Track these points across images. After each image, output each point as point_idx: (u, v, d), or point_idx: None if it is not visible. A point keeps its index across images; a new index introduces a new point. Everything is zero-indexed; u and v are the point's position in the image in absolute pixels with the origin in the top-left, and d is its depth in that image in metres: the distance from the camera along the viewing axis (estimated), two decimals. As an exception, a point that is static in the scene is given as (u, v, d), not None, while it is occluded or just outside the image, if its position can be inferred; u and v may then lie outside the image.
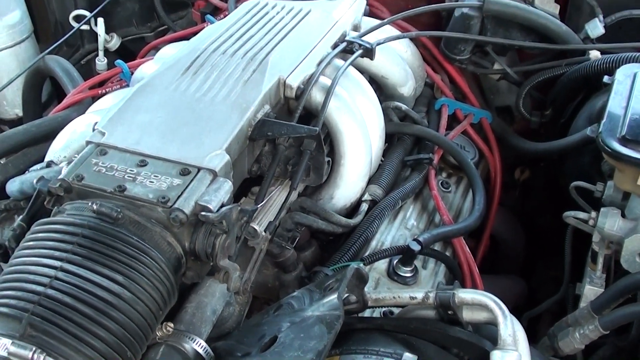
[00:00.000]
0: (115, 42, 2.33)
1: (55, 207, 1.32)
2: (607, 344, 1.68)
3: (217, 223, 1.27)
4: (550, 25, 2.17)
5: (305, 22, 1.83)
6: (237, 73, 1.58)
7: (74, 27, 2.32)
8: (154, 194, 1.26)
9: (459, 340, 1.26)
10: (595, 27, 2.24)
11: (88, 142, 1.39)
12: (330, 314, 1.20)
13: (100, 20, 2.24)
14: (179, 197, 1.26)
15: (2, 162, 1.87)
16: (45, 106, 2.31)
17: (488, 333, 1.24)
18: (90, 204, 1.24)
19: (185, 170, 1.32)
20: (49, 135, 1.85)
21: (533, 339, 1.60)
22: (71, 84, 2.01)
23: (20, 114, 2.27)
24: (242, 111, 1.47)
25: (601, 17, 2.25)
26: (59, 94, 2.35)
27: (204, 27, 2.29)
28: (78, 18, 2.33)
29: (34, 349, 1.07)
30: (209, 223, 1.27)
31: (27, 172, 1.67)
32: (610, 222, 1.60)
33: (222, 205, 1.28)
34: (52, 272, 1.15)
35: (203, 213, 1.25)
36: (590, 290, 1.62)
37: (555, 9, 2.28)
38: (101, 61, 2.28)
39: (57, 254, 1.19)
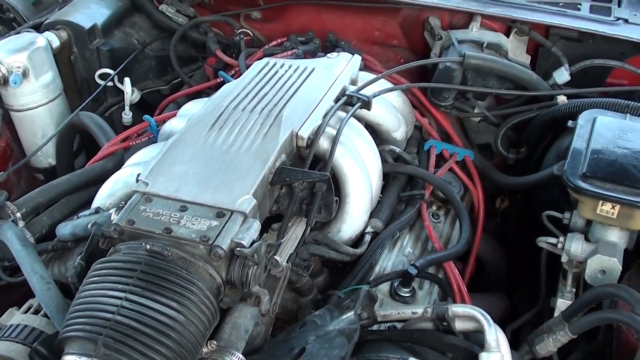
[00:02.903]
0: (136, 96, 2.50)
1: (112, 248, 1.50)
2: (579, 348, 1.83)
3: (249, 257, 1.45)
4: (522, 74, 2.35)
5: (310, 79, 1.99)
6: (257, 127, 1.74)
7: (98, 84, 2.50)
8: (196, 234, 1.46)
9: (453, 346, 1.48)
10: (562, 75, 2.40)
11: (135, 192, 1.58)
12: (349, 327, 1.42)
13: (127, 79, 2.41)
14: (217, 236, 1.45)
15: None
16: (75, 156, 2.49)
17: (476, 339, 1.45)
18: (143, 244, 1.44)
19: (221, 213, 1.51)
20: (89, 184, 2.04)
21: (516, 347, 1.80)
22: (104, 137, 2.18)
23: (53, 163, 2.44)
24: (264, 161, 1.65)
25: (567, 65, 2.39)
26: (86, 144, 2.53)
27: (217, 82, 2.50)
28: (103, 76, 2.51)
29: None
30: (243, 257, 1.46)
31: (76, 217, 1.83)
32: (575, 245, 1.79)
33: (253, 242, 1.47)
34: (118, 301, 1.34)
35: (238, 249, 1.45)
36: (562, 303, 1.79)
37: (527, 59, 2.48)
38: (127, 115, 2.45)
39: (120, 286, 1.37)
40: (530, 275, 2.22)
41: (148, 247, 1.44)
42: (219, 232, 1.47)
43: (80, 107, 2.31)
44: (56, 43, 2.43)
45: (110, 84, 2.52)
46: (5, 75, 2.25)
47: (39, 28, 2.51)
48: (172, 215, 1.52)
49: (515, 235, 2.53)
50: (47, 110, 2.40)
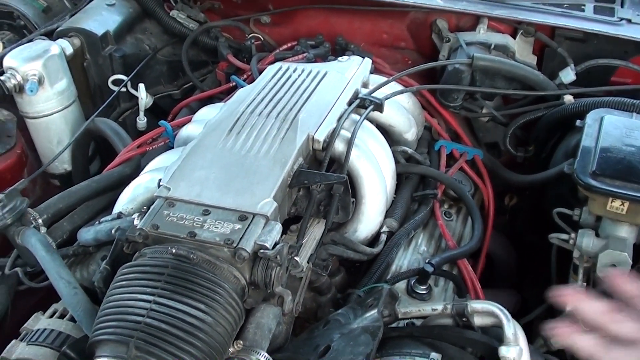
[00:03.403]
0: (149, 101, 2.51)
1: (136, 252, 1.53)
2: None
3: (272, 258, 1.49)
4: (529, 75, 2.40)
5: (323, 83, 2.02)
6: (274, 132, 1.78)
7: (111, 90, 2.53)
8: (220, 237, 1.49)
9: (473, 341, 1.52)
10: (568, 75, 2.44)
11: (157, 197, 1.61)
12: (373, 325, 1.46)
13: (141, 85, 2.43)
14: (241, 238, 1.48)
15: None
16: (89, 161, 2.52)
17: (495, 334, 1.49)
18: (169, 248, 1.47)
19: (243, 217, 1.54)
20: (107, 189, 2.06)
21: (528, 341, 1.85)
22: (121, 143, 2.21)
23: (69, 168, 2.47)
24: (283, 165, 1.68)
25: (572, 65, 2.44)
26: (100, 150, 2.56)
27: (229, 86, 2.54)
28: (116, 82, 2.54)
29: None
30: (266, 258, 1.49)
31: (97, 222, 1.84)
32: (586, 241, 1.85)
33: (276, 244, 1.51)
34: (147, 305, 1.38)
35: (261, 251, 1.48)
36: None
37: (533, 60, 2.52)
38: (142, 120, 2.47)
39: (149, 290, 1.41)
40: (539, 271, 2.27)
41: (174, 250, 1.47)
42: (242, 235, 1.50)
43: (95, 113, 2.34)
44: (69, 50, 2.45)
45: (123, 89, 2.55)
46: (21, 83, 2.28)
47: (50, 35, 2.53)
48: (195, 219, 1.55)
49: (524, 231, 2.57)
50: (62, 117, 2.43)
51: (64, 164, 2.46)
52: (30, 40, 2.46)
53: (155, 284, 1.42)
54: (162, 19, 2.75)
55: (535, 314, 2.04)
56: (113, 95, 2.48)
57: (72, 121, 2.47)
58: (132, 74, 2.55)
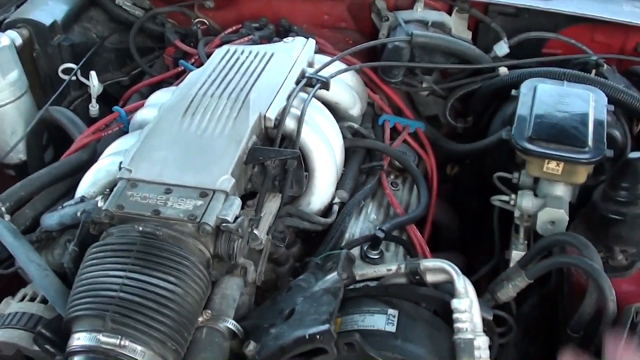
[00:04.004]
0: (99, 88, 2.52)
1: (104, 232, 1.59)
2: (534, 294, 1.97)
3: (234, 231, 1.56)
4: (466, 49, 2.49)
5: (271, 63, 2.09)
6: (227, 112, 1.84)
7: (61, 79, 2.53)
8: (184, 214, 1.56)
9: (426, 297, 1.63)
10: (502, 48, 2.55)
11: (120, 178, 1.66)
12: (334, 286, 1.54)
13: (93, 73, 2.45)
14: (203, 214, 1.56)
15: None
16: (44, 149, 2.53)
17: (446, 289, 1.60)
18: (135, 226, 1.54)
19: (204, 193, 1.61)
20: (66, 175, 2.08)
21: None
22: (76, 130, 2.23)
23: (24, 158, 2.47)
24: (238, 143, 1.75)
25: (505, 39, 2.55)
26: (53, 138, 2.55)
27: (178, 71, 2.57)
28: (66, 71, 2.54)
29: (119, 337, 1.38)
30: (228, 231, 1.57)
31: (60, 207, 1.88)
32: (526, 201, 1.94)
33: (236, 217, 1.59)
34: (119, 280, 1.45)
35: (224, 224, 1.56)
36: (517, 254, 1.95)
37: (469, 35, 2.64)
38: (94, 107, 2.48)
39: (120, 266, 1.48)
40: (482, 235, 2.35)
41: (140, 228, 1.55)
42: (205, 210, 1.57)
43: (49, 102, 2.35)
44: (19, 41, 2.45)
45: (73, 78, 2.56)
46: None
47: None
48: (158, 198, 1.61)
49: (466, 198, 2.65)
50: (15, 108, 2.44)
51: (19, 154, 2.46)
52: (-25, 33, 2.46)
53: (126, 260, 1.49)
54: (108, 7, 2.76)
55: (480, 273, 2.12)
56: (64, 84, 2.49)
57: (25, 111, 2.48)
58: (82, 62, 2.57)
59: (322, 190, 1.99)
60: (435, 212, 2.33)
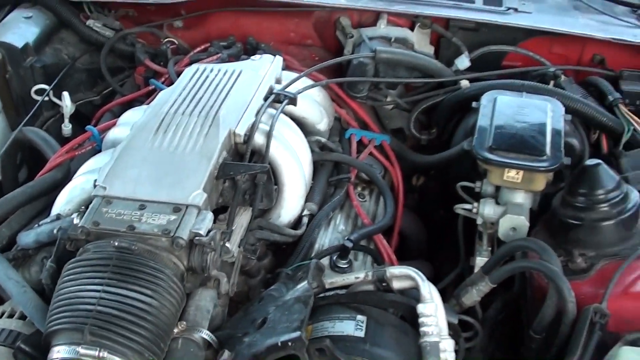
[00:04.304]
0: (71, 108, 2.51)
1: (80, 249, 1.62)
2: (498, 299, 2.03)
3: (207, 244, 1.61)
4: (428, 64, 2.56)
5: (239, 81, 2.12)
6: (198, 129, 1.88)
7: (34, 100, 2.56)
8: (158, 228, 1.60)
9: (393, 302, 1.69)
10: (463, 62, 2.63)
11: (95, 196, 1.70)
12: (304, 295, 1.59)
13: (66, 94, 2.45)
14: (177, 228, 1.60)
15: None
16: (18, 169, 2.54)
17: (412, 295, 1.65)
18: (111, 241, 1.58)
19: (177, 208, 1.65)
20: (42, 194, 2.10)
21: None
22: (50, 150, 2.24)
23: None
24: (209, 159, 1.79)
25: (467, 53, 2.63)
26: (26, 158, 2.57)
27: (148, 89, 2.58)
28: (38, 91, 2.57)
29: (98, 349, 1.42)
30: (202, 245, 1.61)
31: (37, 225, 1.91)
32: (488, 209, 2.00)
33: (209, 231, 1.63)
34: (97, 294, 1.48)
35: (197, 238, 1.60)
36: (481, 260, 2.00)
37: (431, 49, 2.70)
38: (67, 127, 2.48)
39: (96, 280, 1.51)
40: (448, 243, 2.41)
41: (116, 243, 1.59)
42: (178, 225, 1.62)
43: (22, 123, 2.38)
44: None
45: (45, 98, 2.59)
46: None
47: None
48: (133, 213, 1.65)
49: (432, 208, 2.71)
50: None
51: None
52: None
53: (102, 275, 1.52)
54: (78, 29, 2.79)
55: (446, 281, 2.17)
56: (37, 105, 2.51)
57: None
58: (54, 83, 2.60)
59: (291, 203, 2.03)
60: (402, 222, 2.38)
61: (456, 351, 1.64)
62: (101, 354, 1.42)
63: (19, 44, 2.58)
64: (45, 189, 2.13)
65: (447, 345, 1.57)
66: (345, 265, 1.97)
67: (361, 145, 2.49)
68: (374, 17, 2.73)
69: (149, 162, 1.80)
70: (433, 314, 1.58)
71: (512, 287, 2.07)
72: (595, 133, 2.39)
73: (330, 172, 2.31)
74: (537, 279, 1.90)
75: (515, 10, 2.64)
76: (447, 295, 2.13)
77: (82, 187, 1.95)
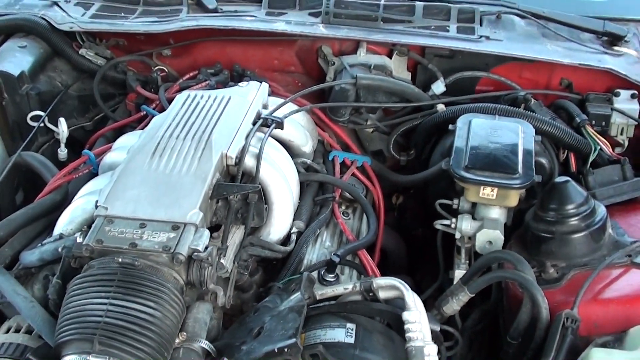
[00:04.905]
0: (65, 134, 2.57)
1: (85, 265, 1.70)
2: (476, 310, 2.12)
3: (205, 259, 1.70)
4: (406, 89, 2.64)
5: (229, 106, 2.20)
6: (192, 152, 1.96)
7: (29, 125, 2.62)
8: (159, 245, 1.69)
9: (380, 311, 1.78)
10: (439, 87, 2.70)
11: (97, 216, 1.78)
12: (298, 304, 1.68)
13: (62, 119, 2.52)
14: (176, 245, 1.68)
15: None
16: (15, 193, 2.61)
17: (398, 304, 1.73)
18: (115, 258, 1.67)
19: (176, 226, 1.74)
20: (42, 215, 2.17)
21: None
22: (49, 173, 2.33)
23: None
24: (203, 180, 1.87)
25: (442, 78, 2.70)
26: (22, 182, 2.63)
27: (140, 115, 2.65)
28: (34, 118, 2.63)
29: (107, 357, 1.50)
30: (199, 260, 1.70)
31: (40, 245, 1.97)
32: (465, 224, 2.08)
33: (206, 247, 1.72)
34: (104, 307, 1.56)
35: (195, 254, 1.69)
36: (459, 273, 2.07)
37: (408, 75, 2.79)
38: (62, 151, 2.54)
39: (103, 294, 1.59)
40: (427, 258, 2.50)
41: (120, 260, 1.67)
42: (177, 242, 1.70)
43: (21, 148, 2.45)
44: None
45: (42, 124, 2.65)
46: None
47: None
48: (134, 232, 1.74)
49: (411, 225, 2.80)
50: None
51: None
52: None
53: (108, 289, 1.60)
54: (71, 57, 2.85)
55: (427, 293, 2.24)
56: (34, 130, 2.58)
57: None
58: (49, 109, 2.66)
59: (280, 221, 2.11)
60: (383, 239, 2.43)
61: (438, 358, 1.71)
62: None
63: (15, 72, 2.64)
64: (45, 210, 2.19)
65: (431, 350, 1.64)
66: (333, 279, 2.03)
67: (344, 166, 2.56)
68: (354, 46, 2.83)
69: (147, 184, 1.88)
70: (417, 320, 1.66)
71: (489, 299, 2.15)
72: (564, 153, 2.48)
73: (315, 191, 2.38)
74: (512, 289, 1.97)
75: (487, 38, 2.71)
76: (427, 307, 2.19)
77: (83, 208, 2.02)
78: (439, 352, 1.71)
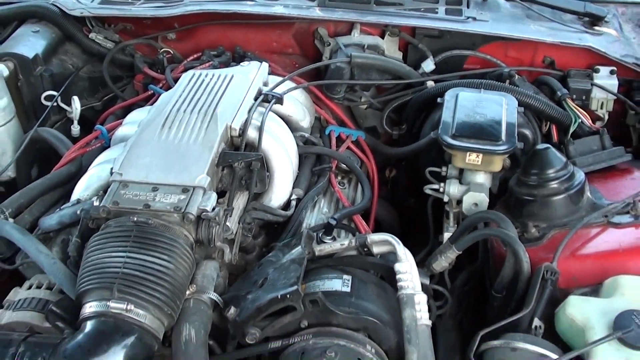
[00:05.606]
0: (78, 111, 2.70)
1: (103, 225, 1.82)
2: (465, 270, 2.22)
3: (213, 219, 1.82)
4: (397, 67, 2.74)
5: (232, 83, 2.30)
6: (198, 124, 2.08)
7: (43, 105, 2.73)
8: (170, 206, 1.81)
9: (374, 264, 1.89)
10: (429, 65, 2.80)
11: (112, 181, 1.90)
12: (299, 257, 1.79)
13: (75, 98, 2.65)
14: (187, 205, 1.81)
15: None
16: (30, 167, 2.72)
17: (390, 259, 1.83)
18: (130, 217, 1.79)
19: (185, 189, 1.87)
20: (59, 185, 2.30)
21: None
22: (64, 147, 2.45)
23: (12, 175, 2.66)
24: (210, 148, 2.00)
25: (432, 57, 2.79)
26: (37, 157, 2.74)
27: (147, 94, 2.77)
28: (48, 97, 2.74)
29: (126, 302, 1.62)
30: (208, 219, 1.82)
31: (58, 210, 2.09)
32: (452, 188, 2.18)
33: (213, 208, 1.84)
34: (121, 259, 1.68)
35: (204, 213, 1.81)
36: (448, 236, 2.16)
37: (400, 55, 2.87)
38: (75, 128, 2.67)
39: (120, 248, 1.71)
40: (418, 228, 2.58)
41: (135, 219, 1.79)
42: (187, 203, 1.83)
43: (38, 123, 2.57)
44: (5, 72, 2.65)
45: (55, 104, 2.76)
46: None
47: None
48: (147, 195, 1.86)
49: (404, 197, 2.89)
50: (4, 131, 2.64)
51: (7, 172, 2.64)
52: (-35, 67, 2.64)
53: (125, 244, 1.72)
54: (82, 41, 2.96)
55: (419, 257, 2.22)
56: (48, 109, 2.69)
57: (13, 133, 2.67)
58: (62, 90, 2.77)
59: (281, 188, 2.22)
60: (377, 209, 2.52)
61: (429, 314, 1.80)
62: (128, 307, 1.62)
63: (29, 54, 2.74)
64: (61, 180, 2.32)
65: (421, 299, 1.74)
66: (330, 241, 2.08)
67: (339, 140, 2.65)
68: (349, 27, 2.92)
69: (157, 153, 2.00)
70: (408, 271, 1.76)
71: (476, 260, 2.25)
72: (546, 125, 2.57)
73: (313, 163, 2.47)
74: (497, 248, 2.07)
75: (474, 19, 2.81)
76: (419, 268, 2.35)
77: (98, 175, 2.13)
78: (429, 309, 1.80)
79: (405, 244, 2.62)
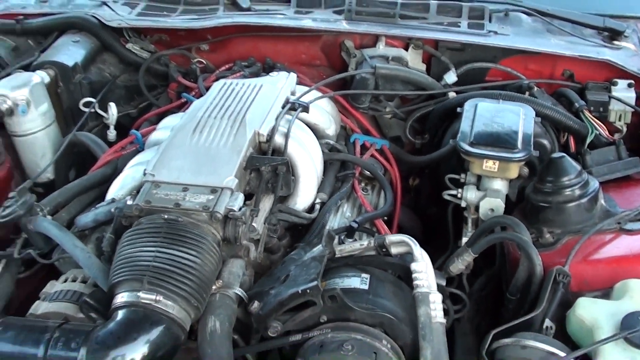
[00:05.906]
0: (115, 117, 2.82)
1: (135, 222, 1.90)
2: (483, 274, 2.26)
3: (239, 218, 1.89)
4: (421, 78, 2.80)
5: (261, 92, 2.37)
6: (228, 129, 2.15)
7: (81, 111, 2.83)
8: (199, 205, 1.88)
9: (391, 264, 1.94)
10: (451, 77, 2.85)
11: (145, 181, 1.98)
12: (319, 255, 1.85)
13: (112, 104, 2.76)
14: (215, 205, 1.88)
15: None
16: (68, 169, 2.80)
17: (408, 260, 1.88)
18: (161, 215, 1.86)
19: (214, 190, 1.94)
20: (94, 186, 2.39)
21: None
22: (100, 150, 2.55)
23: (51, 177, 2.75)
24: (238, 152, 2.07)
25: (454, 69, 2.85)
26: (74, 160, 2.81)
27: (181, 102, 2.85)
28: (86, 104, 2.84)
29: (155, 294, 1.69)
30: (234, 218, 1.89)
31: (94, 208, 2.18)
32: (470, 193, 2.23)
33: (240, 208, 1.91)
34: (152, 254, 1.76)
35: (231, 213, 1.88)
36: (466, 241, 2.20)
37: (423, 67, 2.93)
38: (112, 133, 2.79)
39: (150, 244, 1.79)
40: (439, 235, 2.59)
41: (165, 216, 1.86)
42: (216, 203, 1.90)
43: (75, 128, 2.67)
44: (47, 79, 2.76)
45: (93, 110, 2.86)
46: (11, 107, 2.59)
47: (25, 68, 2.83)
48: (177, 194, 1.93)
49: (426, 205, 2.93)
50: (45, 134, 2.74)
51: (46, 174, 2.73)
52: (9, 74, 2.77)
53: (156, 239, 1.80)
54: (119, 51, 3.06)
55: (439, 262, 2.30)
56: (87, 114, 2.79)
57: (53, 137, 2.77)
58: (99, 97, 2.87)
59: (306, 192, 2.28)
60: (400, 216, 2.58)
61: (446, 312, 1.86)
62: (157, 298, 1.69)
63: (69, 63, 2.85)
64: (97, 181, 2.42)
65: (436, 298, 1.79)
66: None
67: (364, 148, 2.71)
68: (374, 40, 2.98)
69: (189, 156, 2.08)
70: (424, 270, 1.81)
71: (494, 265, 2.29)
72: (564, 135, 2.62)
73: (337, 169, 2.52)
74: (513, 253, 2.10)
75: (495, 33, 2.85)
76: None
77: (132, 176, 2.22)
78: (446, 312, 1.86)
79: (427, 250, 2.71)
